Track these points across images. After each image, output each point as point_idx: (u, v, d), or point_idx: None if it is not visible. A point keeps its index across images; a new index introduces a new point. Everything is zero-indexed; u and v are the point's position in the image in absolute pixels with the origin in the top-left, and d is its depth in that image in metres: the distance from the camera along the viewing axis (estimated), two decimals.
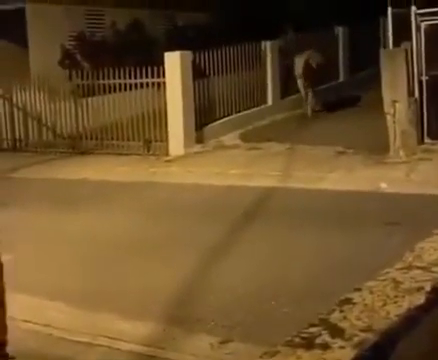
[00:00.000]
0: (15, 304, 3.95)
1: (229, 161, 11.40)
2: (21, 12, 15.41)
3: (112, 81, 13.19)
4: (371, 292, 5.09)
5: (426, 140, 10.81)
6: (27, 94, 14.43)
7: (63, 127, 14.09)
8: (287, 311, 5.10)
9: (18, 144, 14.78)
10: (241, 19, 17.08)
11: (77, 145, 13.85)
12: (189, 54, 12.83)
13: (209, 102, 13.44)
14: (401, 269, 5.57)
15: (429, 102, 10.76)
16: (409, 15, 10.72)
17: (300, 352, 4.21)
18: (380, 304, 4.85)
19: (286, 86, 15.31)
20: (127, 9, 17.27)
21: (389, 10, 10.97)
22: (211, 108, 13.54)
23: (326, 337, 4.38)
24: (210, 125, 13.38)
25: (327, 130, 12.78)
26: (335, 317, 4.70)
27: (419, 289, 5.05)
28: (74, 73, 13.97)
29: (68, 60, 16.30)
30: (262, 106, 14.88)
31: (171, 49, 12.77)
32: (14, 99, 14.71)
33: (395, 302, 4.86)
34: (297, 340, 4.37)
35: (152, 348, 4.71)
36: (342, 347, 4.23)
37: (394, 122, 10.43)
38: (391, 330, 4.41)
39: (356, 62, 17.19)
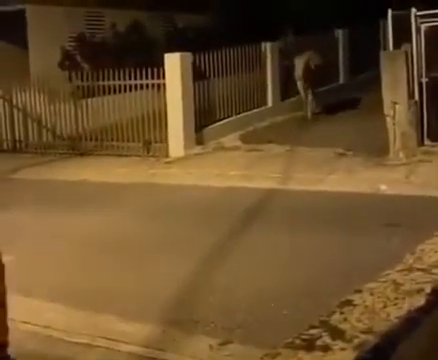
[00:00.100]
0: (15, 305, 3.93)
1: (229, 163, 11.39)
2: (21, 13, 15.43)
3: (112, 82, 13.19)
4: (371, 294, 5.08)
5: (426, 142, 10.82)
6: (27, 95, 14.41)
7: (63, 128, 14.09)
8: (287, 313, 5.09)
9: (18, 145, 14.77)
10: (241, 20, 17.09)
11: (77, 146, 13.84)
12: (189, 55, 12.83)
13: (209, 103, 13.43)
14: (401, 271, 5.56)
15: (429, 104, 10.77)
16: (409, 17, 10.73)
17: (301, 354, 4.20)
18: (380, 306, 4.84)
19: (286, 88, 15.31)
20: (127, 11, 17.26)
21: (389, 12, 10.98)
22: (211, 109, 13.53)
23: (327, 339, 4.36)
24: (210, 126, 13.37)
25: (327, 132, 12.77)
26: (335, 319, 4.69)
27: (419, 291, 5.04)
28: (74, 74, 13.97)
29: (68, 61, 16.33)
30: (262, 108, 14.86)
31: (171, 50, 12.76)
32: (14, 100, 14.69)
33: (395, 304, 4.85)
34: (298, 342, 4.36)
35: (151, 349, 4.70)
36: (343, 349, 4.22)
37: (394, 124, 10.43)
38: (392, 332, 4.39)
39: (356, 64, 17.19)
